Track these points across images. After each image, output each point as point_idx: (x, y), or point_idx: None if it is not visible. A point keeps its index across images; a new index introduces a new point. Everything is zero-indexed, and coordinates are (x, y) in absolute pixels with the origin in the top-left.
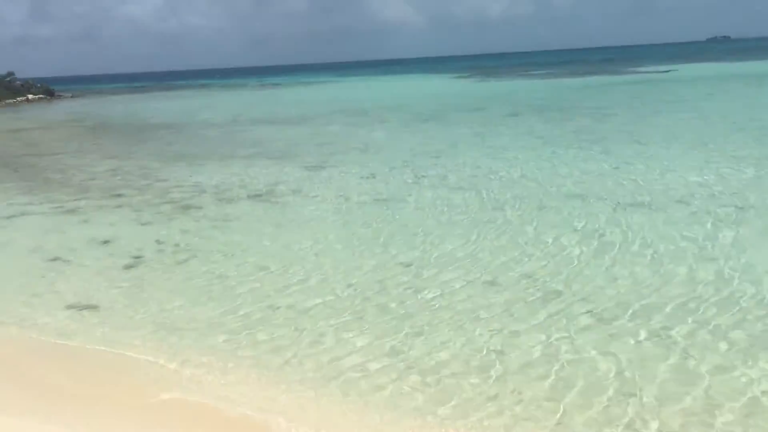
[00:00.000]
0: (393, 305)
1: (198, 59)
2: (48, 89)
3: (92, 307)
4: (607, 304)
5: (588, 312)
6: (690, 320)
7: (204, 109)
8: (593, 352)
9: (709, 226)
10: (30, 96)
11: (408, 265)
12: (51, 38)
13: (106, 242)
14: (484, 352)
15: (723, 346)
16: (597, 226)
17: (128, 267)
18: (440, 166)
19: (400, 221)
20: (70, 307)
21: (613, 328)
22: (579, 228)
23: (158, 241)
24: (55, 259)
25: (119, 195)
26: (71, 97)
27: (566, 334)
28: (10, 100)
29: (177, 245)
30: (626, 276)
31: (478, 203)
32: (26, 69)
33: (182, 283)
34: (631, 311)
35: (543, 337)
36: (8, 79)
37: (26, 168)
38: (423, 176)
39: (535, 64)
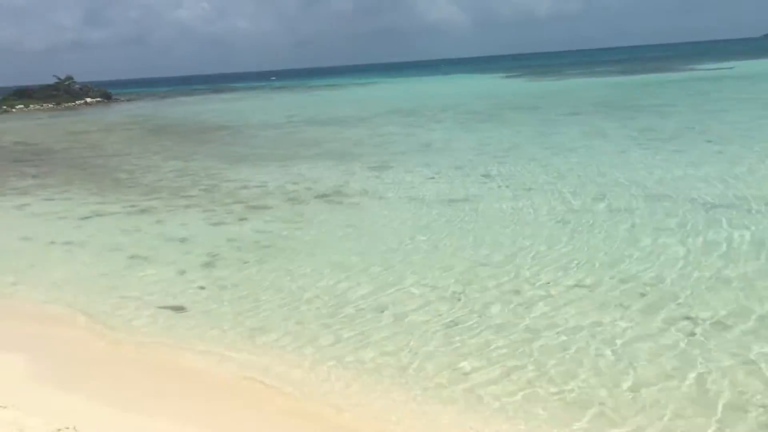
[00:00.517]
0: (497, 308)
1: (244, 62)
2: (105, 93)
3: (179, 308)
4: (729, 309)
5: (710, 317)
6: None
7: (258, 111)
8: (729, 361)
9: None
10: (88, 99)
11: (503, 266)
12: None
13: (182, 241)
14: (610, 358)
15: None
16: (696, 227)
17: (208, 265)
18: (510, 165)
19: (484, 222)
20: (158, 306)
21: (741, 335)
22: (676, 229)
23: (233, 240)
24: (134, 257)
25: (189, 195)
26: (127, 100)
27: (695, 343)
28: (70, 104)
29: (254, 245)
30: (740, 279)
31: (562, 203)
32: (80, 73)
33: (265, 283)
34: (754, 317)
35: (669, 342)
36: (67, 83)
37: (94, 169)
38: (495, 176)
39: (584, 63)
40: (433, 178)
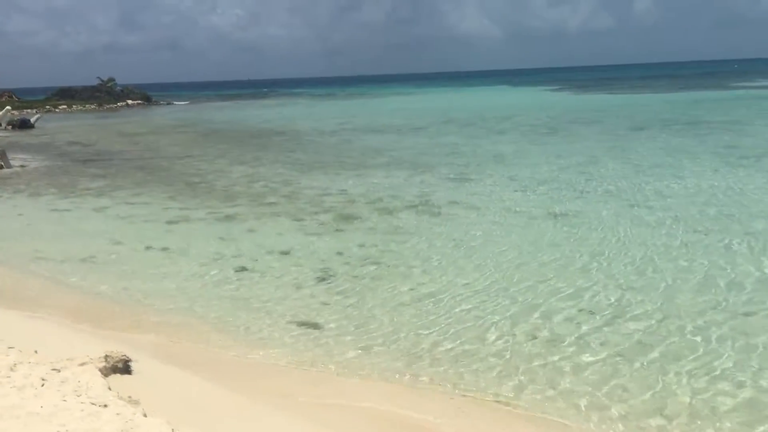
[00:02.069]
0: (629, 328)
1: (275, 68)
2: (146, 95)
3: (314, 325)
4: None
5: None
6: None
7: (305, 118)
8: None
9: None
10: (129, 101)
11: (627, 289)
12: (137, 46)
13: (285, 253)
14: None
15: None
16: None
17: (322, 280)
18: (595, 181)
19: (589, 239)
20: (290, 323)
21: None
22: None
23: (339, 253)
24: (241, 269)
25: (271, 203)
26: (167, 103)
27: None
28: (111, 105)
29: (363, 260)
30: None
31: (670, 222)
32: (114, 76)
33: (389, 300)
34: None
35: None
36: (110, 84)
37: (161, 171)
38: (590, 191)
39: (622, 78)
40: (523, 191)
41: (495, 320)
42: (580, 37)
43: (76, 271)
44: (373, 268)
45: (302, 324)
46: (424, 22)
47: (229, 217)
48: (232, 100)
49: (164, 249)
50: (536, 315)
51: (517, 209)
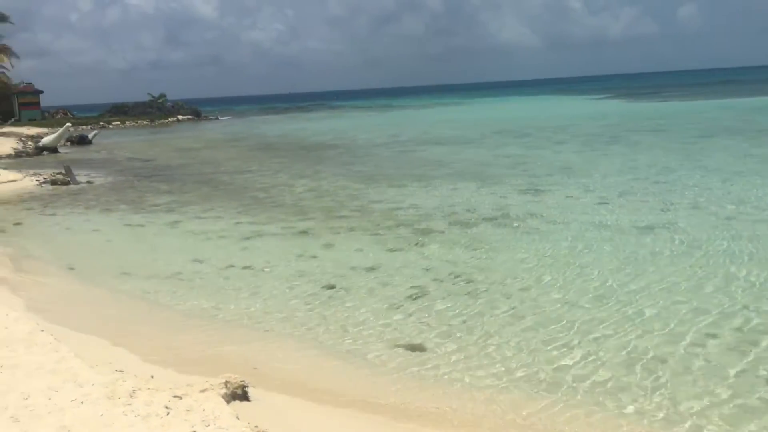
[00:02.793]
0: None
1: (316, 81)
2: (195, 110)
3: (417, 347)
4: None
5: None
6: None
7: (355, 130)
8: None
9: None
10: (180, 117)
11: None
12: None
13: (370, 269)
14: None
15: None
16: None
17: (417, 298)
18: (678, 192)
19: (695, 255)
20: (397, 346)
21: None
22: None
23: (427, 270)
24: (329, 286)
25: (342, 216)
26: (216, 118)
27: None
28: (163, 120)
29: (453, 275)
30: None
31: None
32: (158, 91)
33: (498, 321)
34: None
35: None
36: (161, 100)
37: (225, 186)
38: (676, 203)
39: (670, 85)
40: (605, 203)
41: (633, 347)
42: (622, 43)
43: (163, 288)
44: (466, 285)
45: (410, 348)
46: (462, 32)
47: (303, 232)
48: (276, 113)
49: (246, 267)
50: (685, 342)
51: (606, 223)
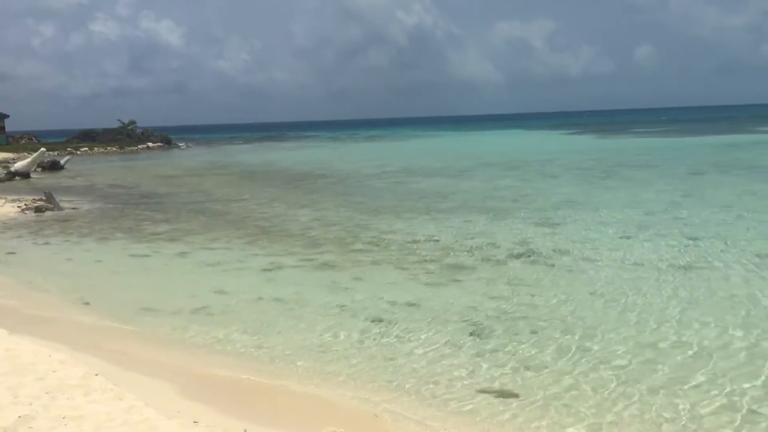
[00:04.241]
0: None
1: (280, 112)
2: (166, 137)
3: (507, 393)
4: None
5: None
6: None
7: (336, 160)
8: None
9: None
10: (150, 144)
11: None
12: (145, 89)
13: (412, 305)
14: None
15: None
16: None
17: (476, 336)
18: (695, 227)
19: (740, 293)
20: (479, 392)
21: None
22: None
23: (472, 307)
24: (373, 320)
25: (360, 249)
26: (187, 146)
27: None
28: (132, 147)
29: (502, 312)
30: None
31: None
32: (121, 118)
33: (579, 366)
34: None
35: None
36: (131, 127)
37: (222, 215)
38: (694, 238)
39: (638, 122)
40: (626, 238)
41: (727, 393)
42: (581, 82)
43: (193, 325)
44: (521, 323)
45: (496, 394)
46: (426, 67)
47: (325, 265)
48: (247, 142)
49: (278, 300)
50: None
51: (635, 260)
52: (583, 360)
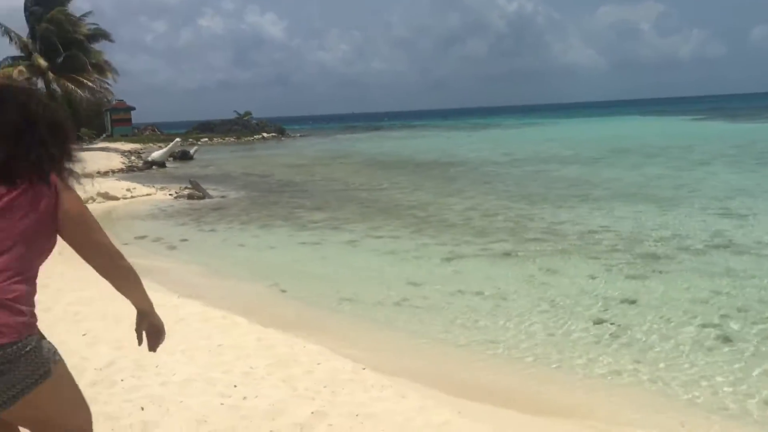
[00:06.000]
0: None
1: (379, 102)
2: (279, 128)
3: None
4: None
5: None
6: None
7: (456, 148)
8: None
9: None
10: (264, 134)
11: None
12: (248, 82)
13: (631, 302)
14: None
15: None
16: None
17: (728, 339)
18: None
19: None
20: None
21: None
22: None
23: (704, 302)
24: (600, 322)
25: (536, 239)
26: (300, 136)
27: None
28: (248, 138)
29: (740, 310)
30: None
31: None
32: (226, 110)
33: None
34: None
35: None
36: (246, 118)
37: (371, 203)
38: None
39: (760, 107)
40: None
41: None
42: (690, 65)
43: (401, 317)
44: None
45: None
46: (526, 53)
47: (506, 255)
48: (353, 132)
49: (478, 293)
50: None
51: None
52: None
